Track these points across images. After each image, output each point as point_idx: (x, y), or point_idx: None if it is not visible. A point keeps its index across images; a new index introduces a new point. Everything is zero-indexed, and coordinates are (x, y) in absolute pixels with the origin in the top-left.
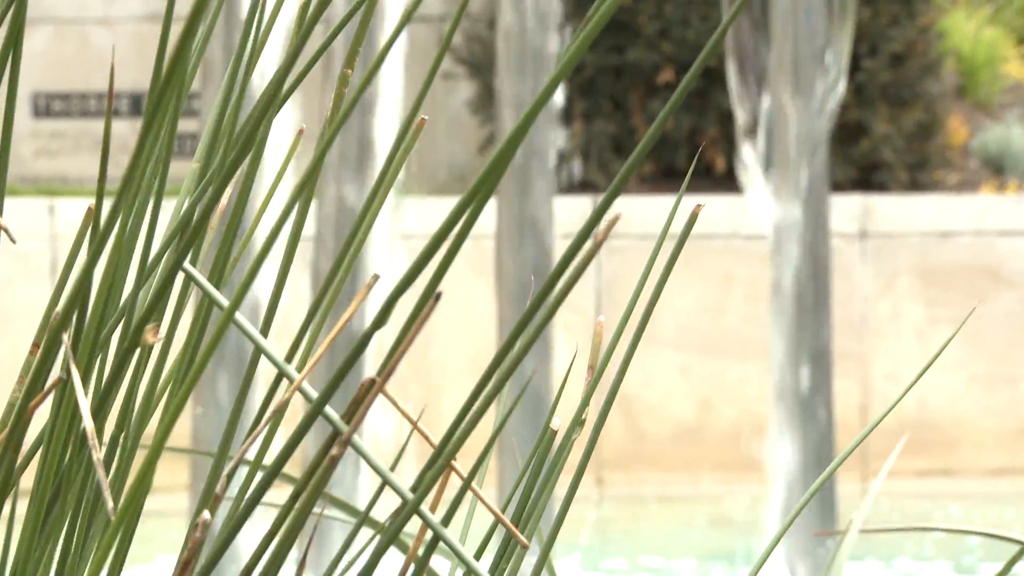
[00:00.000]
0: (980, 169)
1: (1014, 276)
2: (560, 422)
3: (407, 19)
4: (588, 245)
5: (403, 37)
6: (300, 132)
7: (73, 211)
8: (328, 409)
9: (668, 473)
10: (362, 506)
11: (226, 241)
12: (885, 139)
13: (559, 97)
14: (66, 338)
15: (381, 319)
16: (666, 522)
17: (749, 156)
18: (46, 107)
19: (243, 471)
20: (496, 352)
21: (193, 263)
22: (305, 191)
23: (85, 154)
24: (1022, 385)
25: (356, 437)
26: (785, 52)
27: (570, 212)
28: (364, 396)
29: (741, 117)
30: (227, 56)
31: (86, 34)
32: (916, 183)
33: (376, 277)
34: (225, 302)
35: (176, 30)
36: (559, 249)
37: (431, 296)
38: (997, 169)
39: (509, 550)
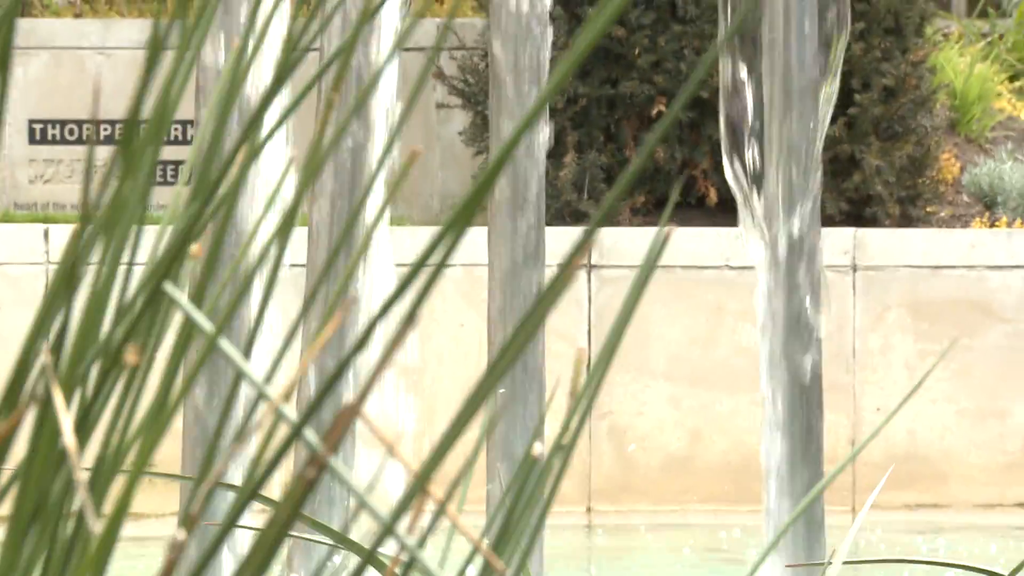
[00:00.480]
0: (971, 204)
1: (1004, 310)
2: (542, 447)
3: (400, 44)
4: (572, 271)
5: (395, 66)
6: (292, 160)
7: (67, 236)
8: (308, 432)
9: (658, 503)
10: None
11: (210, 264)
12: (877, 173)
13: (549, 126)
14: (44, 357)
15: (361, 344)
16: (656, 552)
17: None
18: (42, 134)
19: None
20: (480, 377)
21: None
22: (291, 218)
23: (81, 180)
24: (1012, 419)
25: (334, 460)
26: (776, 87)
27: (562, 243)
28: (341, 420)
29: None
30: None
31: (83, 62)
32: (907, 217)
33: (353, 300)
34: (207, 325)
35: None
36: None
37: (408, 321)
38: (988, 204)
39: (487, 575)
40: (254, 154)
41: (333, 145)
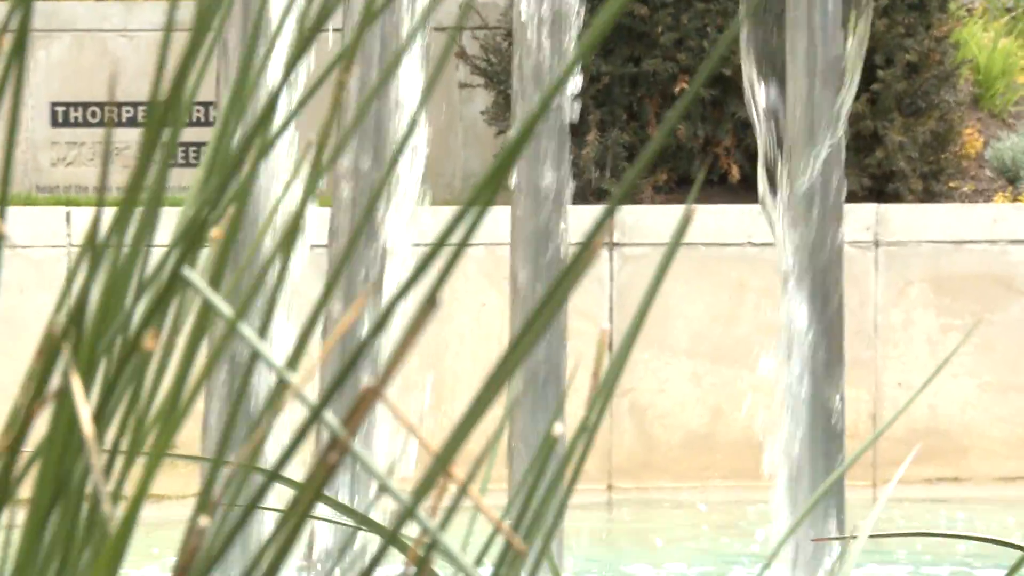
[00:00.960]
0: (994, 178)
1: None
2: (562, 428)
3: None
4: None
5: (419, 46)
6: (308, 144)
7: (89, 219)
8: (329, 415)
9: (679, 480)
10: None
11: (227, 248)
12: (899, 148)
13: (575, 104)
14: (66, 344)
15: (379, 326)
16: (677, 529)
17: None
18: (64, 116)
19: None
20: (501, 356)
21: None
22: (307, 199)
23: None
24: None
25: (356, 443)
26: (799, 65)
27: (584, 221)
28: (362, 403)
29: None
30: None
31: (105, 44)
32: (930, 192)
33: (375, 284)
34: (226, 309)
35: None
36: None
37: (429, 304)
38: (1011, 178)
39: (509, 556)
40: (269, 143)
41: (352, 126)
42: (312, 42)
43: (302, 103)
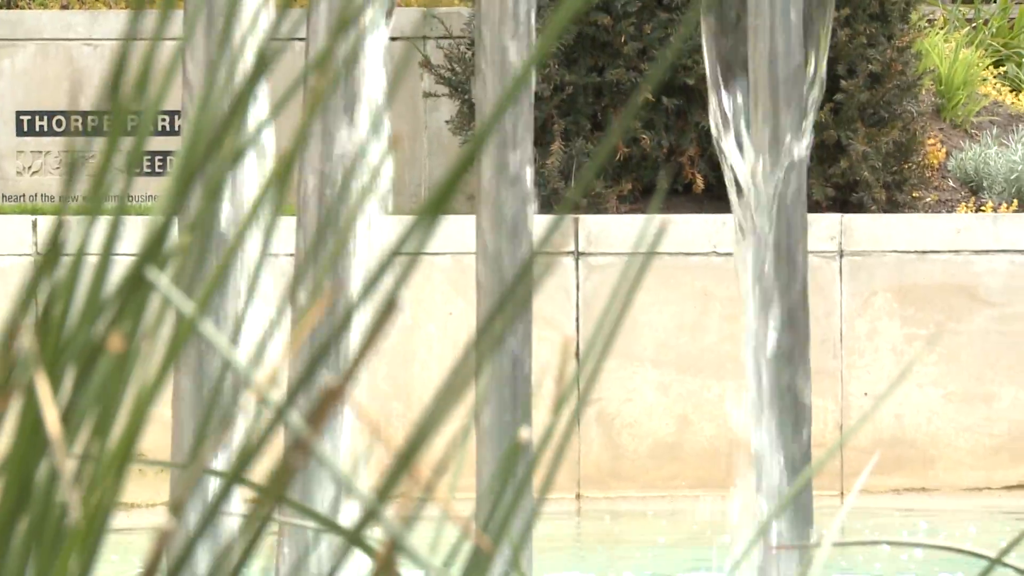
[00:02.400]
0: (957, 189)
1: (990, 295)
2: (529, 433)
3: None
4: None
5: (381, 55)
6: (282, 154)
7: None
8: (293, 415)
9: (647, 490)
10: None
11: (193, 254)
12: (863, 158)
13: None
14: (28, 345)
15: (341, 328)
16: (644, 537)
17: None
18: (30, 125)
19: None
20: (460, 357)
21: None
22: (271, 205)
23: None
24: (998, 403)
25: (320, 442)
26: (760, 75)
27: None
28: (324, 402)
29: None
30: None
31: (70, 52)
32: (894, 202)
33: (335, 288)
34: (188, 309)
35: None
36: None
37: (389, 306)
38: (974, 189)
39: (477, 558)
40: (238, 152)
41: (315, 134)
42: (279, 51)
43: (275, 112)
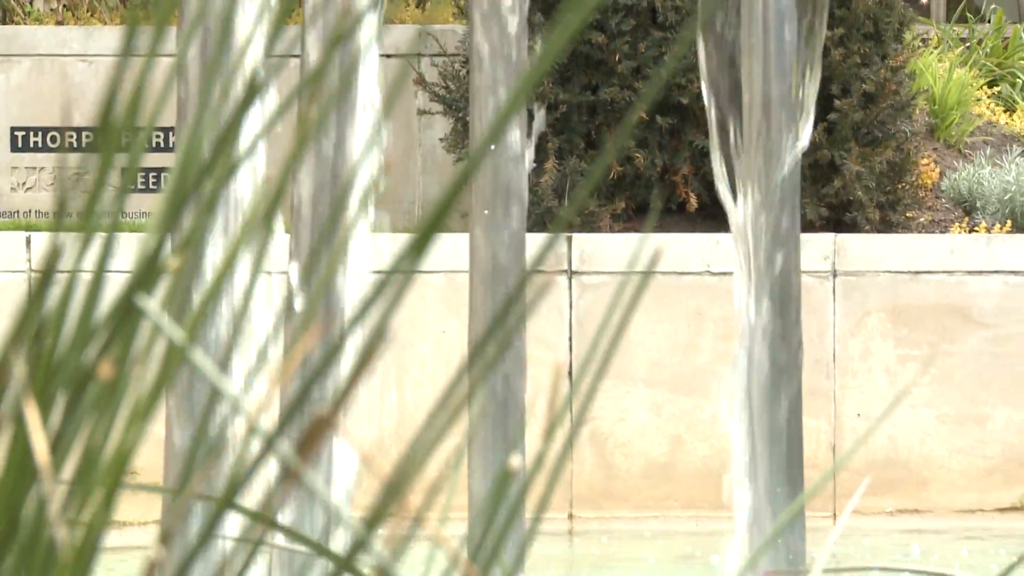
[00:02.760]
0: (951, 209)
1: (984, 316)
2: (520, 460)
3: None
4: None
5: (374, 73)
6: (267, 179)
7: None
8: (284, 444)
9: (639, 510)
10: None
11: (184, 278)
12: (857, 178)
13: (531, 129)
14: (19, 371)
15: (331, 355)
16: (638, 558)
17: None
18: (24, 141)
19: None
20: (452, 378)
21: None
22: (264, 224)
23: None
24: (991, 425)
25: (312, 472)
26: (755, 93)
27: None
28: (314, 432)
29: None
30: (203, 92)
31: (64, 69)
32: (887, 222)
33: (331, 314)
34: (178, 336)
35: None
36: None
37: (378, 337)
38: (967, 209)
39: None
40: (231, 168)
41: (309, 152)
42: (274, 70)
43: (262, 133)
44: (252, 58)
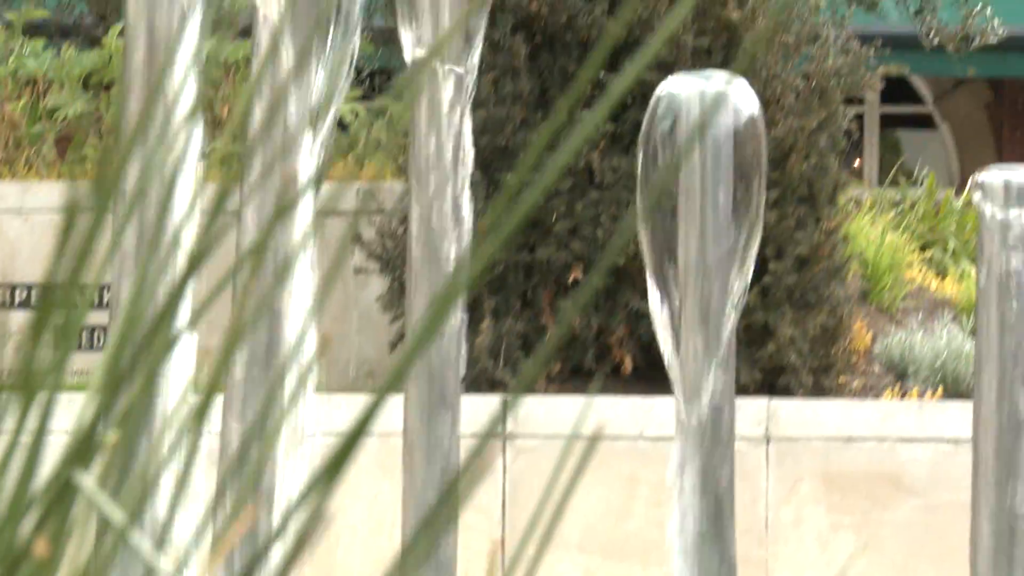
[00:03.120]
0: (883, 374)
1: (915, 484)
2: None
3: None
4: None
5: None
6: (207, 355)
7: None
8: None
9: None
10: None
11: (123, 454)
12: (790, 342)
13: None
14: None
15: (277, 534)
16: None
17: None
18: None
19: None
20: (394, 559)
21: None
22: (205, 405)
23: None
24: None
25: None
26: (691, 257)
27: (478, 411)
28: None
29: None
30: (141, 250)
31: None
32: (820, 387)
33: (265, 496)
34: (118, 516)
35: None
36: (467, 448)
37: (315, 520)
38: (900, 374)
39: None
40: (168, 344)
41: (247, 327)
42: (211, 246)
43: (201, 311)
44: (189, 233)
